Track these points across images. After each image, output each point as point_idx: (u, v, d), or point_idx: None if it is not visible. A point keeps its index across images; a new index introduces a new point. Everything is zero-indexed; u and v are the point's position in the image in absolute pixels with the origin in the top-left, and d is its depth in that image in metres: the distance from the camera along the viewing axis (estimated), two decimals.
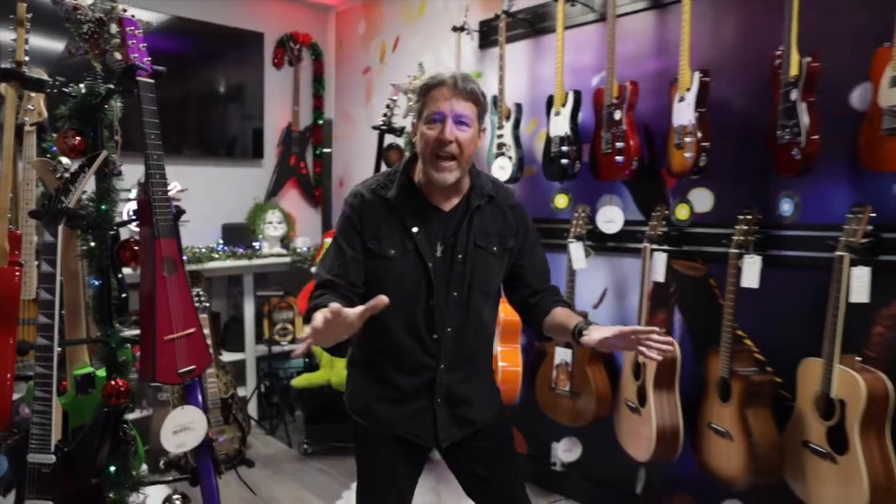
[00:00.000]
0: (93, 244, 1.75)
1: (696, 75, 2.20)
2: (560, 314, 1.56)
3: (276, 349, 3.83)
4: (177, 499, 1.86)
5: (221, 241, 3.68)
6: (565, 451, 2.75)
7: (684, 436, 2.30)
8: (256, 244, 3.75)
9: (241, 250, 3.65)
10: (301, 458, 3.37)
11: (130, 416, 3.10)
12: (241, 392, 3.64)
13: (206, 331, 3.08)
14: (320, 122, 4.13)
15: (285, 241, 3.91)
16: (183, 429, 1.73)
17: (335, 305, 1.15)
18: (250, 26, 3.85)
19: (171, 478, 2.08)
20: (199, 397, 1.81)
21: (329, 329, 1.15)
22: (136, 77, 1.65)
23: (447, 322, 1.49)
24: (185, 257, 3.36)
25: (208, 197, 3.68)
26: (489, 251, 1.52)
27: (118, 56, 1.65)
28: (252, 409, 3.78)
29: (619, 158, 2.41)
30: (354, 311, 1.17)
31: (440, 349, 1.50)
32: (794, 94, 2.00)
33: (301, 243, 3.97)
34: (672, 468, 2.44)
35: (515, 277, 1.62)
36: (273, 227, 3.82)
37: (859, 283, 1.95)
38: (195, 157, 3.74)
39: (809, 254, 2.11)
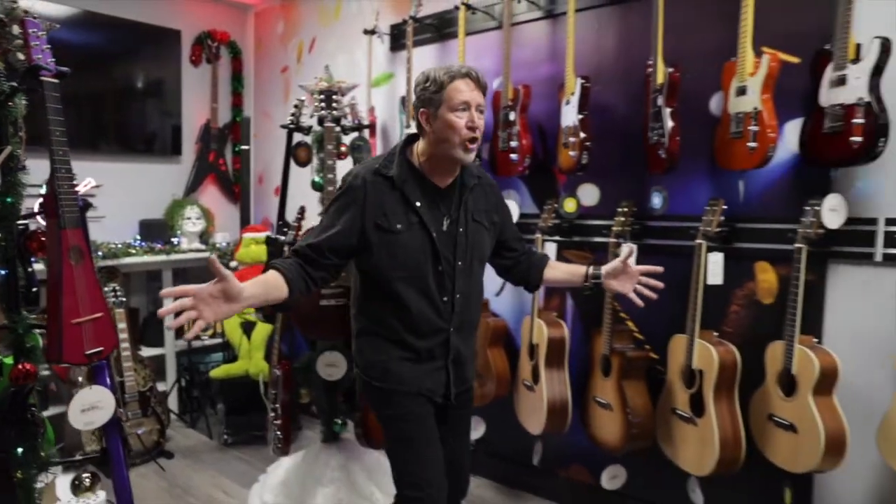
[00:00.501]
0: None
1: (579, 81, 2.43)
2: (561, 266, 1.92)
3: (196, 344, 3.86)
4: (86, 477, 1.93)
5: (139, 237, 3.69)
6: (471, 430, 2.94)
7: (573, 409, 2.54)
8: (175, 240, 3.77)
9: (159, 246, 3.67)
10: (221, 448, 3.44)
11: (49, 413, 3.10)
12: (161, 387, 3.67)
13: (122, 325, 3.15)
14: (239, 119, 4.18)
15: (204, 236, 3.94)
16: (91, 407, 1.80)
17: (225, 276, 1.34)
18: (167, 23, 3.87)
19: (79, 457, 2.12)
20: (108, 379, 1.88)
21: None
22: (39, 77, 1.71)
23: (455, 288, 1.67)
24: (99, 252, 3.39)
25: (125, 193, 3.68)
26: (483, 225, 1.73)
27: (21, 56, 1.70)
28: (173, 403, 3.80)
29: (513, 156, 2.62)
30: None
31: (451, 312, 1.67)
32: (660, 100, 2.25)
33: (220, 238, 4.01)
34: (564, 440, 2.68)
35: (501, 245, 1.84)
36: (192, 222, 3.85)
37: (714, 268, 2.23)
38: (113, 153, 3.73)
39: (676, 242, 2.37)
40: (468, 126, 1.57)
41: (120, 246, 3.51)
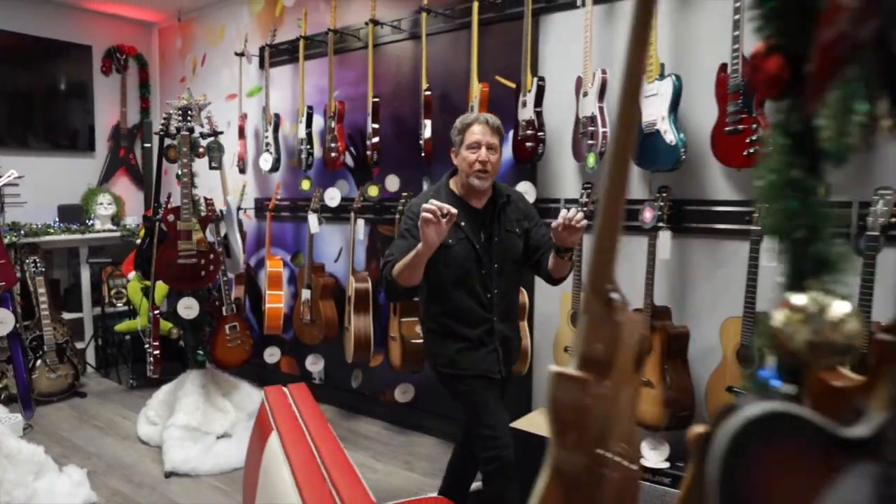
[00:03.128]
0: None
1: (371, 100, 3.30)
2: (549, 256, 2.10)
3: (109, 310, 4.64)
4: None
5: (57, 220, 4.45)
6: (313, 365, 3.82)
7: (375, 344, 3.42)
8: (90, 222, 4.54)
9: (75, 226, 4.44)
10: (127, 391, 4.25)
11: None
12: (80, 345, 4.46)
13: (42, 290, 3.92)
14: (146, 120, 4.94)
15: (116, 219, 4.71)
16: None
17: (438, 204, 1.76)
18: (80, 40, 4.61)
19: None
20: (10, 305, 2.66)
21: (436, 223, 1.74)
22: None
23: (494, 286, 2.07)
24: (22, 231, 4.12)
25: (47, 182, 4.43)
26: (514, 233, 2.11)
27: None
28: (91, 358, 4.59)
29: (333, 155, 3.48)
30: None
31: (493, 305, 2.07)
32: (422, 114, 3.13)
33: (130, 221, 4.79)
34: (378, 368, 3.56)
35: (528, 246, 2.17)
36: (104, 207, 4.61)
37: None
38: (38, 148, 4.48)
39: None
40: (479, 160, 2.01)
41: (40, 226, 4.27)
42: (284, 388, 1.84)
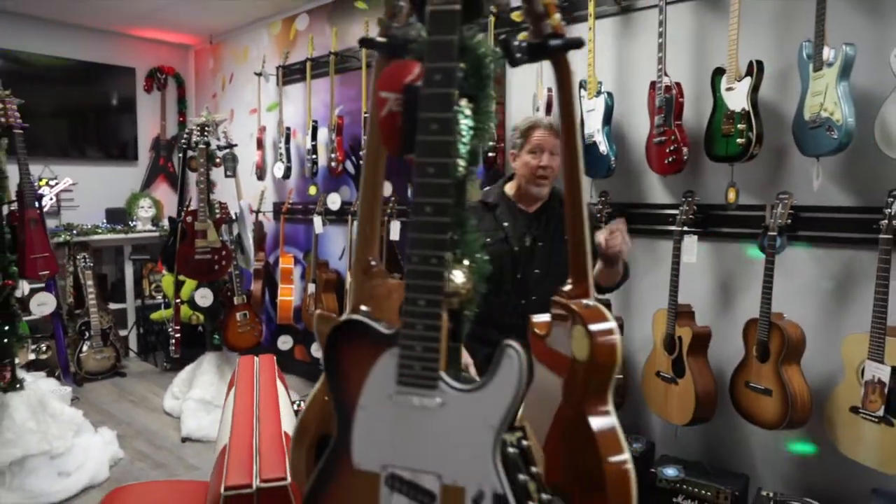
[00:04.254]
0: None
1: (336, 117, 3.72)
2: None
3: (150, 302, 5.21)
4: (44, 345, 3.26)
5: (105, 221, 5.05)
6: (317, 351, 4.25)
7: None
8: (133, 223, 5.13)
9: (119, 227, 5.03)
10: (160, 372, 4.79)
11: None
12: (123, 332, 5.04)
13: (90, 282, 4.50)
14: (183, 132, 5.51)
15: (155, 220, 5.28)
16: (41, 303, 3.12)
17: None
18: (126, 63, 5.21)
19: (38, 336, 3.45)
20: (53, 289, 3.18)
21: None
22: (13, 132, 3.03)
23: (532, 292, 1.98)
24: (74, 231, 4.72)
25: (96, 188, 5.03)
26: (561, 238, 1.98)
27: (3, 120, 3.01)
28: (133, 344, 5.17)
29: (333, 164, 3.91)
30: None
31: (526, 313, 2.10)
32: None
33: (167, 223, 5.35)
34: None
35: None
36: (145, 210, 5.20)
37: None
38: (94, 158, 5.11)
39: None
40: (539, 165, 1.95)
41: (90, 227, 4.87)
42: (255, 358, 2.25)
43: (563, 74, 0.95)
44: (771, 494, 2.37)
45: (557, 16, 0.90)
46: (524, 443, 0.89)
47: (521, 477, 0.87)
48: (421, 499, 0.76)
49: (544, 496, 0.89)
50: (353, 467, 0.80)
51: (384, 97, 0.80)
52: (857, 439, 2.12)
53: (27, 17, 4.69)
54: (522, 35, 0.98)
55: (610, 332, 0.89)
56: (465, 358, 1.69)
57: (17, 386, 2.97)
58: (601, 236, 1.80)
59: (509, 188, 2.09)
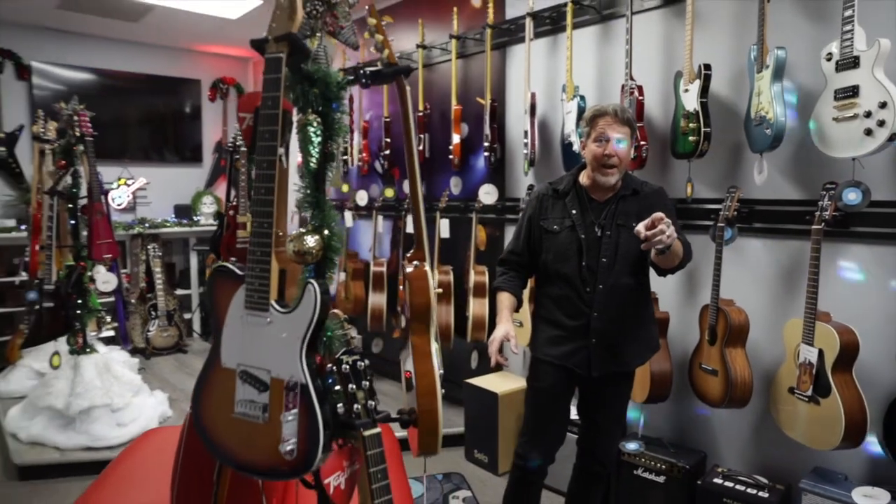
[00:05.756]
0: (70, 206, 3.73)
1: (384, 119, 4.09)
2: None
3: None
4: (107, 317, 3.86)
5: (173, 215, 5.70)
6: None
7: (387, 317, 4.20)
8: (197, 218, 5.77)
9: (185, 221, 5.67)
10: None
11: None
12: (188, 315, 5.69)
13: (158, 269, 5.14)
14: None
15: (216, 215, 5.90)
16: (105, 282, 3.70)
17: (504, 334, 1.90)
18: (192, 75, 5.86)
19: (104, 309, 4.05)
20: (116, 270, 3.77)
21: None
22: (85, 139, 3.62)
23: (599, 280, 1.97)
24: (146, 224, 5.37)
25: (165, 186, 5.70)
26: (629, 227, 1.92)
27: (77, 132, 3.59)
28: (197, 326, 5.81)
29: (359, 164, 4.31)
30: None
31: (594, 301, 1.97)
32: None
33: None
34: (399, 339, 4.34)
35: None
36: (207, 206, 5.82)
37: (444, 228, 3.82)
38: (169, 160, 5.79)
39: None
40: (605, 153, 1.93)
41: (159, 221, 5.53)
42: None
43: (401, 92, 1.27)
44: (722, 470, 2.54)
45: (387, 51, 1.22)
46: (359, 364, 1.22)
47: (351, 386, 1.20)
48: (258, 387, 1.11)
49: (370, 402, 1.22)
50: (221, 365, 1.16)
51: (242, 116, 1.15)
52: (793, 418, 2.27)
53: (115, 41, 5.41)
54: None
55: (423, 276, 1.21)
56: (507, 331, 1.90)
57: (88, 350, 3.55)
58: (640, 226, 1.70)
59: (583, 177, 2.08)
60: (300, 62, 1.15)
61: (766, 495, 2.34)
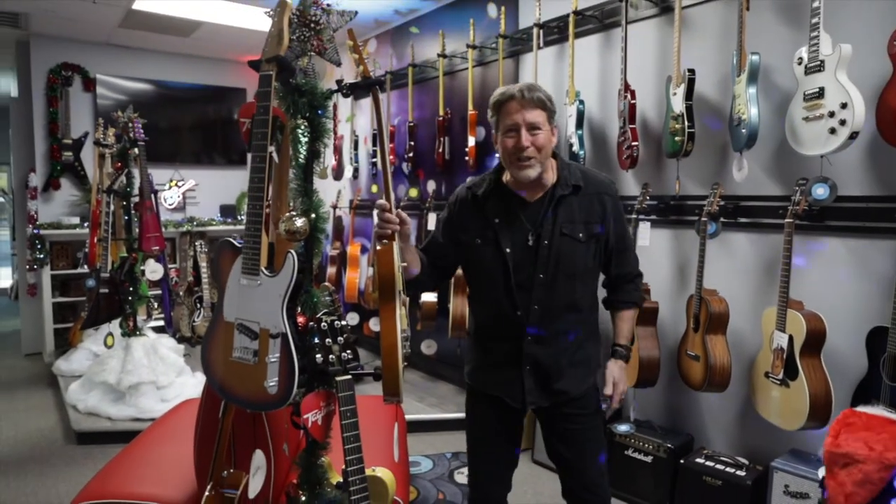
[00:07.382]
0: (124, 203, 4.15)
1: (409, 123, 4.37)
2: (617, 322, 1.80)
3: None
4: (155, 303, 4.26)
5: (219, 215, 6.15)
6: (375, 326, 4.95)
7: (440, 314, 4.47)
8: (240, 217, 6.19)
9: (230, 220, 6.10)
10: None
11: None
12: None
13: (204, 264, 5.57)
14: None
15: None
16: (153, 271, 4.10)
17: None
18: (237, 84, 6.31)
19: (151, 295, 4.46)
20: (163, 262, 4.16)
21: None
22: (138, 143, 4.03)
23: (533, 300, 1.63)
24: (194, 222, 5.82)
25: (212, 188, 6.15)
26: (574, 237, 1.63)
27: (132, 136, 4.00)
28: None
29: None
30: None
31: (526, 323, 1.64)
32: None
33: None
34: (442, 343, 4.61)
35: (605, 251, 1.72)
36: None
37: None
38: (218, 164, 6.25)
39: None
40: (515, 146, 1.58)
41: (206, 219, 5.98)
42: None
43: (375, 102, 1.53)
44: (706, 451, 2.70)
45: (362, 67, 1.48)
46: (336, 323, 1.49)
47: (328, 340, 1.47)
48: (250, 336, 1.38)
49: (343, 355, 1.48)
50: (224, 319, 1.44)
51: (243, 121, 1.43)
52: (768, 400, 2.42)
53: (170, 54, 5.90)
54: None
55: (388, 251, 1.46)
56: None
57: (137, 333, 3.95)
58: (608, 390, 1.73)
59: (506, 174, 1.72)
60: (288, 77, 1.43)
61: (742, 474, 2.49)
